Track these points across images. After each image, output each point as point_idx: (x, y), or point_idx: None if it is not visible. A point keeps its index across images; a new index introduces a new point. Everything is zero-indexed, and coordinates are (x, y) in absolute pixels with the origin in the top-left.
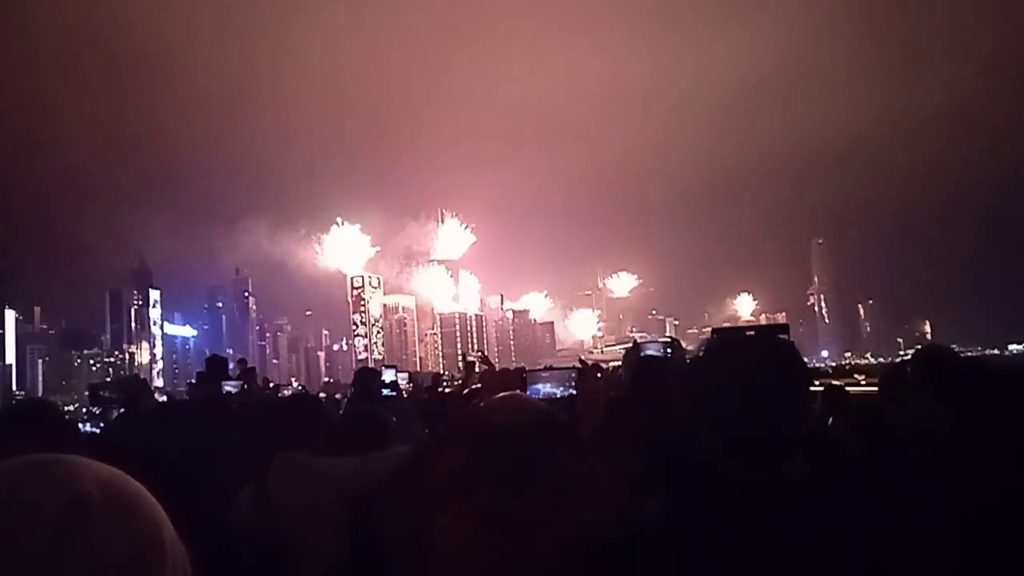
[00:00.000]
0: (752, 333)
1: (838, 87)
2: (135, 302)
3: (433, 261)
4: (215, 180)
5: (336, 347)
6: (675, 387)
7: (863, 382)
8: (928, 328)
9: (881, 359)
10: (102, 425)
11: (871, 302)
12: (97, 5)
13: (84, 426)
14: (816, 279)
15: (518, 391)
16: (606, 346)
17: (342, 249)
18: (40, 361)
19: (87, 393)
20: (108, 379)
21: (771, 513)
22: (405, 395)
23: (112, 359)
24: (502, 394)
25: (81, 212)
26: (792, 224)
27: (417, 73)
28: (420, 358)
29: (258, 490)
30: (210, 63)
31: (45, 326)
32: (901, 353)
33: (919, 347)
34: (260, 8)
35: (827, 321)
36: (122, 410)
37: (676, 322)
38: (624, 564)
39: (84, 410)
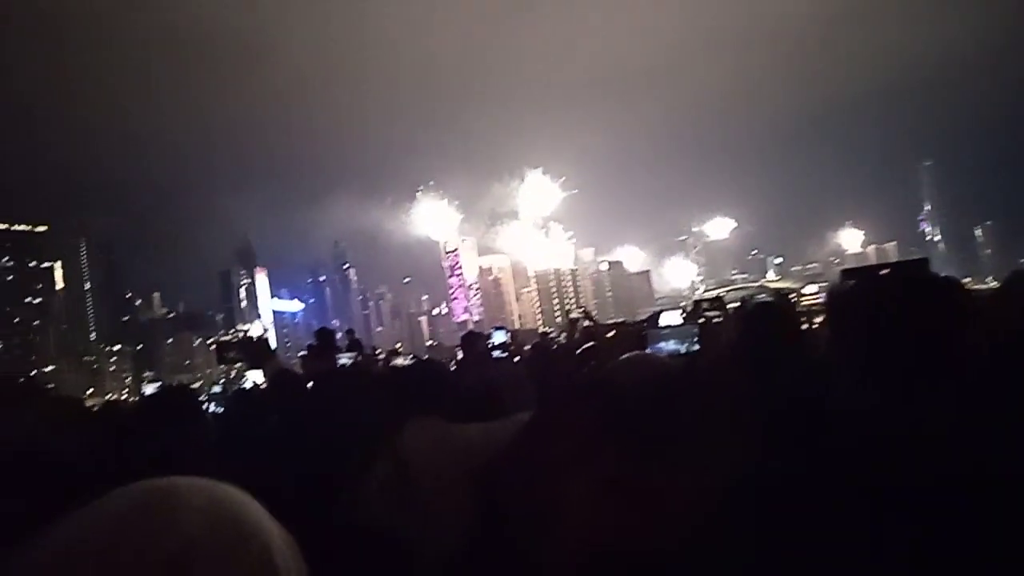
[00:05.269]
0: (887, 272)
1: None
2: (243, 282)
3: (523, 219)
4: (307, 158)
5: (436, 311)
6: (789, 340)
7: None
8: None
9: None
10: (223, 406)
11: (989, 223)
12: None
13: (207, 406)
14: (927, 204)
15: (643, 351)
16: (707, 291)
17: (431, 215)
18: (164, 343)
19: (213, 348)
20: (234, 339)
21: (911, 459)
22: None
23: (228, 338)
24: (628, 355)
25: (188, 200)
26: (897, 149)
27: (491, 32)
28: (518, 316)
29: (395, 457)
30: (296, 45)
31: (164, 310)
32: None
33: None
34: None
35: (942, 247)
36: (243, 385)
37: (779, 261)
38: (755, 524)
39: (209, 388)
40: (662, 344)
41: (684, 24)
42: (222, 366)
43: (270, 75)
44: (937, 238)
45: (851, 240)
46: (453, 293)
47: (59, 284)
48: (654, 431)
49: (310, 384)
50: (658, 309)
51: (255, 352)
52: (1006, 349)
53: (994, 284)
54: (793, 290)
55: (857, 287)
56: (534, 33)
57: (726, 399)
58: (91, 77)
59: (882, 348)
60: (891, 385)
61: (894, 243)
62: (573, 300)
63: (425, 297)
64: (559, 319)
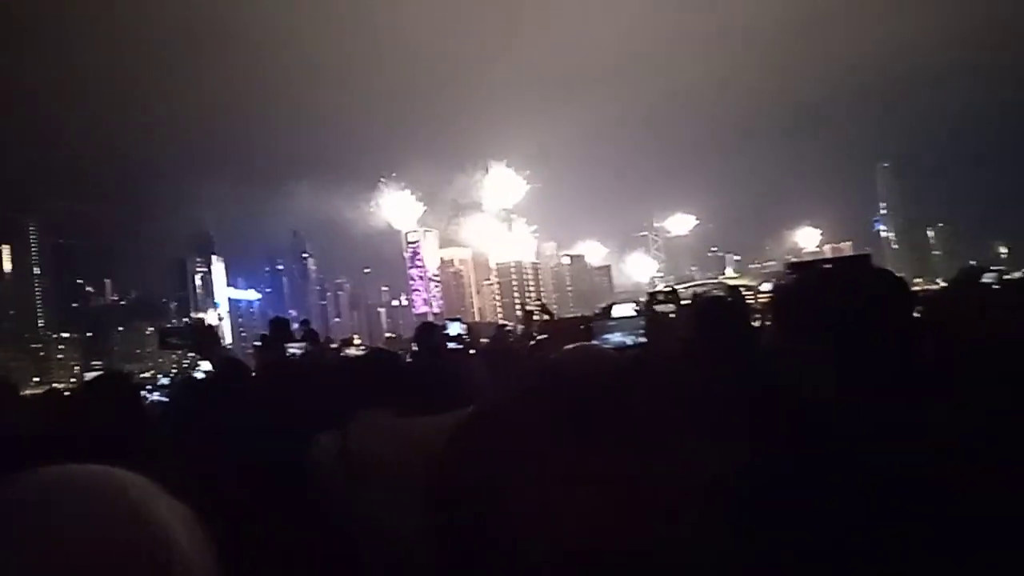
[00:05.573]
0: (830, 266)
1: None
2: (199, 270)
3: (486, 211)
4: (267, 145)
5: (395, 303)
6: (738, 334)
7: None
8: (1005, 251)
9: None
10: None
11: (941, 225)
12: None
13: (153, 394)
14: (883, 205)
15: (589, 342)
16: (665, 287)
17: (392, 205)
18: (114, 332)
19: (158, 334)
20: (178, 326)
21: (871, 456)
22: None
23: (171, 325)
24: (572, 346)
25: (144, 185)
26: (855, 150)
27: (457, 24)
28: (478, 309)
29: (342, 450)
30: (256, 32)
31: (116, 297)
32: None
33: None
34: None
35: (895, 247)
36: (184, 374)
37: (737, 258)
38: (709, 519)
39: (158, 378)
40: (610, 336)
41: (649, 22)
42: (167, 352)
43: (229, 62)
44: (892, 237)
45: (808, 239)
46: (413, 285)
47: (6, 267)
48: (593, 421)
49: (260, 373)
50: (612, 302)
51: (199, 339)
52: (951, 342)
53: (943, 284)
54: (750, 287)
55: (799, 280)
56: (499, 26)
57: (671, 391)
58: (47, 60)
59: (823, 340)
60: (832, 377)
61: (849, 243)
62: (534, 294)
63: (385, 288)
64: (519, 312)
